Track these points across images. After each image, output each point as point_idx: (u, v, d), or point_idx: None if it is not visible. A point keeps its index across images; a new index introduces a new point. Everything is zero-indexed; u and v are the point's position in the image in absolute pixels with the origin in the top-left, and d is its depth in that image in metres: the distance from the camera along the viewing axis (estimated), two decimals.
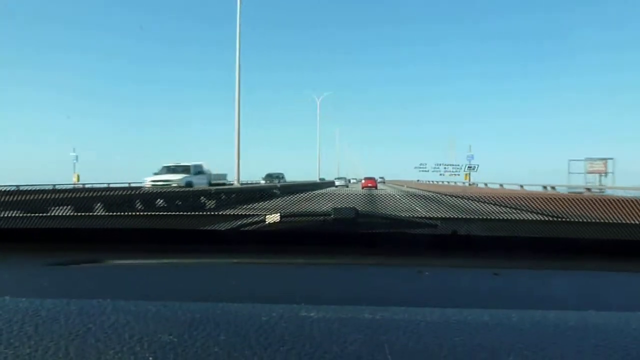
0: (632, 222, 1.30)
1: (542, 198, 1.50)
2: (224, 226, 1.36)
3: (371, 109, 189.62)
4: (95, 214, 1.48)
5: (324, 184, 44.39)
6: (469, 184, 36.35)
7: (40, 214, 1.42)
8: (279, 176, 37.73)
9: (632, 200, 1.41)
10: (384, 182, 64.66)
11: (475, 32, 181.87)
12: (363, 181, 50.83)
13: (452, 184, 42.79)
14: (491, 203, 1.59)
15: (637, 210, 1.37)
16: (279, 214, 1.32)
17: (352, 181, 68.79)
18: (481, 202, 1.66)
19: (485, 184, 34.34)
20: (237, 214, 1.46)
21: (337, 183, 55.92)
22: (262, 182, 35.37)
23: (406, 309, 0.74)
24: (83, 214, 1.46)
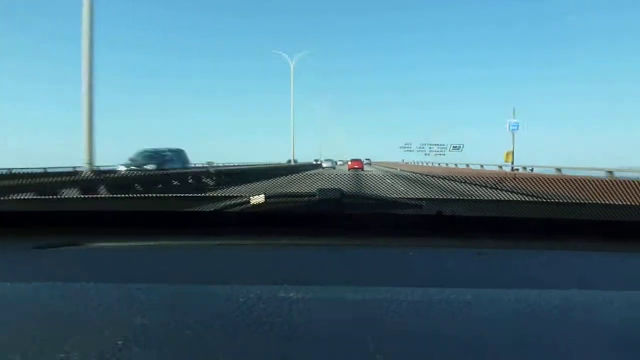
0: (617, 203, 1.31)
1: (531, 179, 1.50)
2: (207, 208, 1.34)
3: (357, 94, 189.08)
4: (73, 196, 1.45)
5: (296, 168, 32.79)
6: (513, 169, 24.16)
7: (17, 197, 1.38)
8: (166, 157, 18.52)
9: (612, 181, 1.42)
10: (370, 164, 64.67)
11: (467, 18, 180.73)
12: (349, 163, 51.32)
13: (483, 167, 29.33)
14: (477, 184, 1.59)
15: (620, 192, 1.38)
16: (263, 195, 1.31)
17: (338, 163, 69.60)
18: (466, 183, 1.66)
19: (559, 169, 20.53)
20: (221, 195, 1.44)
21: (324, 165, 57.29)
22: (122, 168, 16.28)
23: (389, 289, 0.73)
24: (60, 197, 1.43)
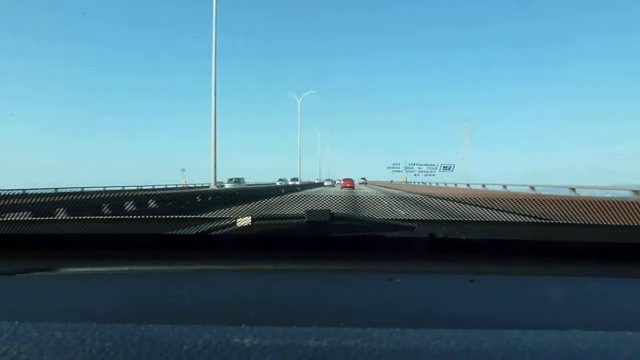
0: (620, 224, 1.26)
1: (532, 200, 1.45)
2: (191, 230, 1.27)
3: (348, 114, 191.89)
4: (49, 218, 1.38)
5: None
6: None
7: None
8: None
9: (620, 202, 1.37)
10: (365, 184, 64.22)
11: (465, 40, 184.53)
12: (342, 182, 52.02)
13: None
14: (477, 205, 1.54)
15: (626, 212, 1.33)
16: (250, 217, 1.25)
17: (337, 182, 71.90)
18: (466, 204, 1.60)
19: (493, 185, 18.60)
20: (207, 217, 1.37)
21: (325, 183, 62.60)
22: None
23: (361, 331, 0.66)
24: (36, 218, 1.35)
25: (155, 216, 1.39)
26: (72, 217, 1.40)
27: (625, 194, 14.33)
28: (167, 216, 1.39)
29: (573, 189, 17.48)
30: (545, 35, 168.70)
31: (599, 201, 1.44)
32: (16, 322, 0.67)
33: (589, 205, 1.40)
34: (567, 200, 1.42)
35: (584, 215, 1.40)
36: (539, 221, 1.38)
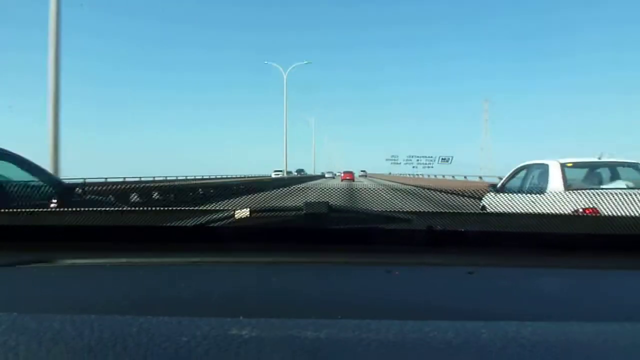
0: (625, 214, 1.25)
1: None
2: (189, 222, 1.27)
3: (349, 108, 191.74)
4: (46, 209, 1.37)
5: None
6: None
7: None
8: None
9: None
10: (365, 176, 63.84)
11: (466, 34, 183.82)
12: (342, 174, 52.46)
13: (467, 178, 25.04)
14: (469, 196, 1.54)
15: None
16: (248, 209, 1.24)
17: (337, 174, 72.92)
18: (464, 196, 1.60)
19: None
20: (204, 209, 1.37)
21: (326, 175, 64.67)
22: None
23: (359, 323, 0.66)
24: (34, 209, 1.34)
25: (154, 208, 1.39)
26: (70, 209, 1.40)
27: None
28: (166, 208, 1.39)
29: None
30: (546, 28, 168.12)
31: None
32: (15, 313, 0.67)
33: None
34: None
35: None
36: (537, 213, 1.38)
